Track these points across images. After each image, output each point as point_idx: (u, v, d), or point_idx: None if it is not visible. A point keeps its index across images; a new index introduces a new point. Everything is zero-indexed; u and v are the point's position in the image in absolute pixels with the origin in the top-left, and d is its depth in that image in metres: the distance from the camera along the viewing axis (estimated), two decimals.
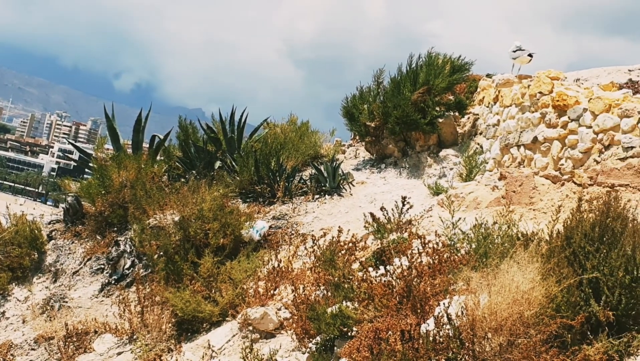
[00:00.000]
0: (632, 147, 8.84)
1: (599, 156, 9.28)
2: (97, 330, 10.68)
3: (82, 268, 12.95)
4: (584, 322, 5.38)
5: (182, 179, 14.54)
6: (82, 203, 14.22)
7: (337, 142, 17.50)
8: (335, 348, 7.16)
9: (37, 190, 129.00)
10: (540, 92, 10.52)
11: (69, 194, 14.57)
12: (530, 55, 12.46)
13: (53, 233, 13.97)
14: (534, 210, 9.64)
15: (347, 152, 16.84)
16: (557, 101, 10.07)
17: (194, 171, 14.68)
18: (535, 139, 10.48)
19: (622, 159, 8.92)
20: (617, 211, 5.95)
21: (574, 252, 5.79)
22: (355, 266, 8.75)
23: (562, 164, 9.85)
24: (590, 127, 9.50)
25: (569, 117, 9.87)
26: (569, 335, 5.36)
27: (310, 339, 7.66)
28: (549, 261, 5.71)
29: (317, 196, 13.40)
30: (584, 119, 9.60)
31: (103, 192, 13.74)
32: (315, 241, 9.61)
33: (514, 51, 12.52)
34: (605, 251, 5.68)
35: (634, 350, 5.25)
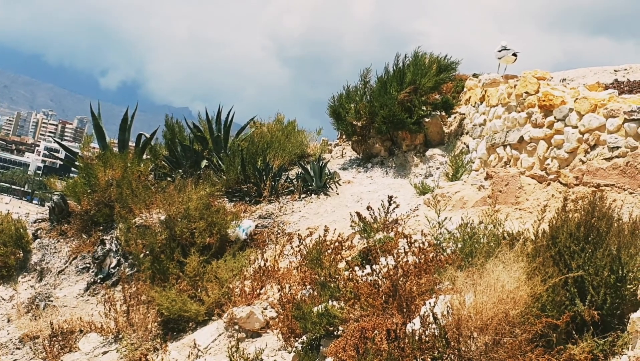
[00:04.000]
0: (617, 147, 8.87)
1: (584, 156, 9.31)
2: (82, 329, 10.65)
3: (67, 267, 12.90)
4: (569, 321, 5.39)
5: (169, 178, 14.52)
6: (68, 201, 14.16)
7: (324, 142, 17.50)
8: (321, 347, 7.16)
9: (22, 189, 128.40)
10: (526, 92, 10.55)
11: (55, 193, 14.52)
12: (514, 54, 12.49)
13: (38, 231, 13.91)
14: (520, 210, 9.66)
15: (334, 151, 16.84)
16: (543, 100, 10.09)
17: (180, 170, 14.67)
18: (521, 138, 10.50)
19: (608, 159, 8.95)
20: (602, 210, 5.96)
21: (560, 251, 5.80)
22: (342, 265, 8.76)
23: (548, 164, 9.88)
24: (576, 127, 9.52)
25: (555, 117, 9.89)
26: (554, 335, 5.37)
27: (296, 338, 7.66)
28: (534, 260, 5.72)
29: (303, 195, 13.40)
30: (570, 119, 9.63)
31: (89, 191, 13.70)
32: (301, 240, 9.61)
33: (499, 51, 12.55)
34: (590, 250, 5.69)
35: (619, 349, 5.26)
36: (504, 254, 5.82)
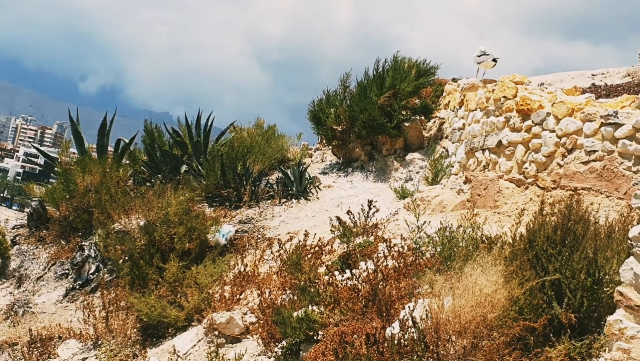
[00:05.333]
0: (594, 151, 8.93)
1: (562, 160, 9.37)
2: (61, 335, 10.57)
3: (46, 273, 12.82)
4: (547, 324, 5.43)
5: (148, 184, 14.45)
6: (47, 207, 14.08)
7: (304, 146, 17.50)
8: (301, 352, 7.16)
9: (2, 194, 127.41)
10: (504, 97, 10.60)
11: (33, 199, 14.43)
12: (494, 60, 12.54)
13: (17, 238, 13.81)
14: (498, 213, 9.70)
15: (314, 156, 16.85)
16: (521, 105, 10.15)
17: (159, 175, 14.60)
18: (499, 143, 10.55)
19: (585, 163, 9.02)
20: (578, 214, 6.01)
21: (537, 255, 5.84)
22: (322, 270, 8.77)
23: (526, 168, 9.93)
24: (553, 131, 9.58)
25: (532, 122, 9.95)
26: (532, 337, 5.41)
27: (276, 343, 7.65)
28: (511, 263, 5.76)
29: (283, 200, 13.40)
30: (547, 123, 9.69)
31: (67, 196, 13.61)
32: (281, 245, 9.61)
33: (479, 56, 12.59)
34: (567, 253, 5.73)
35: (596, 351, 5.30)
36: (482, 257, 5.86)
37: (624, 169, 8.59)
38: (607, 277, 5.66)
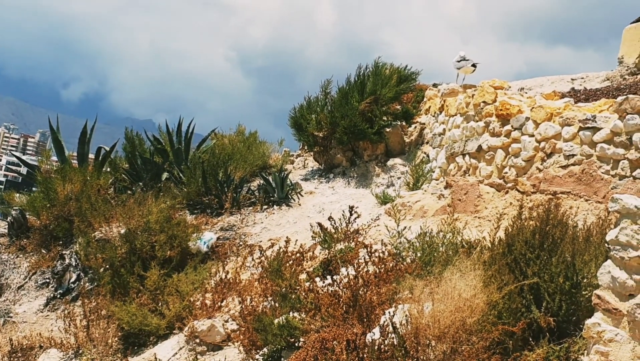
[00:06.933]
0: (573, 155, 8.98)
1: (541, 164, 9.40)
2: (42, 344, 10.50)
3: (27, 282, 12.74)
4: (526, 328, 5.45)
5: (129, 191, 14.41)
6: (27, 216, 14.00)
7: (286, 153, 17.50)
8: (282, 358, 7.16)
9: None
10: (484, 102, 10.63)
11: (14, 208, 14.34)
12: (474, 65, 12.59)
13: None
14: (479, 218, 9.73)
15: (296, 162, 16.84)
16: (501, 110, 10.18)
17: (140, 183, 14.56)
18: (479, 147, 10.57)
19: (564, 167, 9.06)
20: (557, 218, 6.04)
21: (515, 259, 5.86)
22: (303, 276, 8.76)
23: (506, 173, 9.96)
24: (532, 135, 9.62)
25: (512, 126, 9.98)
26: (511, 341, 5.43)
27: (258, 350, 7.64)
28: (490, 268, 5.77)
29: (265, 207, 13.38)
30: (526, 127, 9.73)
31: (48, 205, 13.54)
32: (262, 252, 9.60)
33: (458, 61, 12.64)
34: (545, 257, 5.76)
35: (574, 355, 5.32)
36: (461, 262, 5.87)
37: (602, 173, 8.63)
38: (585, 280, 5.69)
